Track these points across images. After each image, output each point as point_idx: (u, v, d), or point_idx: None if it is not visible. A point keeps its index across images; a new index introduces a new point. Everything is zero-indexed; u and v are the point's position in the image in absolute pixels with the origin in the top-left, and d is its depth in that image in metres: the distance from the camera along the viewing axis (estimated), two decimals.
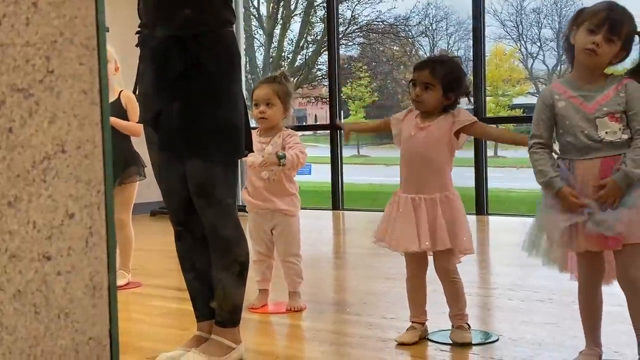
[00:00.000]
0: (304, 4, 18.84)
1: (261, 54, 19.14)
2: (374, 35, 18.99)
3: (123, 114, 4.07)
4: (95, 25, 1.28)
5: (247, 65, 17.38)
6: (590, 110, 2.36)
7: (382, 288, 3.96)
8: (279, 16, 18.98)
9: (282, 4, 18.88)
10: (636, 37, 2.40)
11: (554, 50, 18.65)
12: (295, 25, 18.88)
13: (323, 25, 17.45)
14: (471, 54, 7.54)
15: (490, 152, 9.56)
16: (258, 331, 3.22)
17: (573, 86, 2.41)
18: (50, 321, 1.23)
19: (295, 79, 17.29)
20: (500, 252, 5.12)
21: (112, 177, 1.34)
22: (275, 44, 18.83)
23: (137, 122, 3.70)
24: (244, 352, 2.71)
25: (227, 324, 2.65)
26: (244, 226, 2.70)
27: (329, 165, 8.08)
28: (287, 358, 2.81)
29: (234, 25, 2.64)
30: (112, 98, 4.02)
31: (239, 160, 2.72)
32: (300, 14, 19.08)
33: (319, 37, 18.40)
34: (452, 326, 2.90)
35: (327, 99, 8.38)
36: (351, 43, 18.81)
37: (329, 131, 8.22)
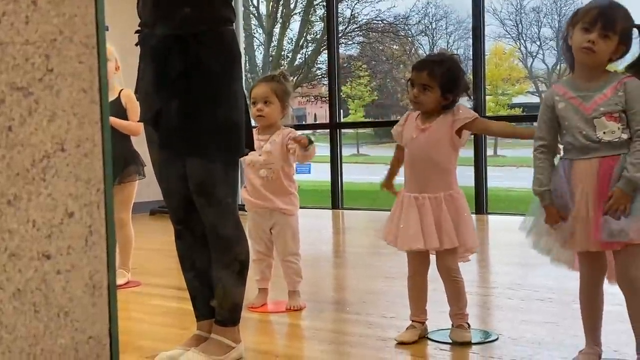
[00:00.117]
0: (303, 2, 18.84)
1: (261, 53, 19.14)
2: (374, 34, 18.99)
3: (123, 113, 4.07)
4: (94, 24, 1.28)
5: (247, 64, 17.38)
6: (588, 110, 2.35)
7: (382, 287, 3.96)
8: (279, 15, 18.97)
9: (281, 2, 18.88)
10: (635, 30, 2.38)
11: (554, 49, 18.65)
12: (295, 24, 18.88)
13: (323, 24, 17.45)
14: (471, 52, 7.54)
15: (490, 151, 9.57)
16: (257, 330, 3.22)
17: (573, 87, 2.41)
18: (50, 320, 1.23)
19: (295, 77, 17.29)
20: (500, 251, 5.12)
21: (112, 176, 1.34)
22: (274, 43, 18.83)
23: (138, 121, 3.70)
24: (244, 351, 2.71)
25: (227, 323, 2.65)
26: (243, 225, 2.70)
27: (329, 164, 8.08)
28: (287, 357, 2.81)
29: (234, 24, 2.63)
30: (112, 97, 4.02)
31: (240, 159, 2.72)
32: (299, 12, 19.08)
33: (318, 36, 18.41)
34: (452, 325, 2.90)
35: (327, 98, 8.39)
36: (351, 42, 18.81)
37: (328, 130, 8.22)
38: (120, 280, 3.99)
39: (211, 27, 2.52)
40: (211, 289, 2.67)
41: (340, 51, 10.49)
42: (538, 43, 19.07)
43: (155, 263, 4.88)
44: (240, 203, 3.65)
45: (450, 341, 2.85)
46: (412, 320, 2.94)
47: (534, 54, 19.35)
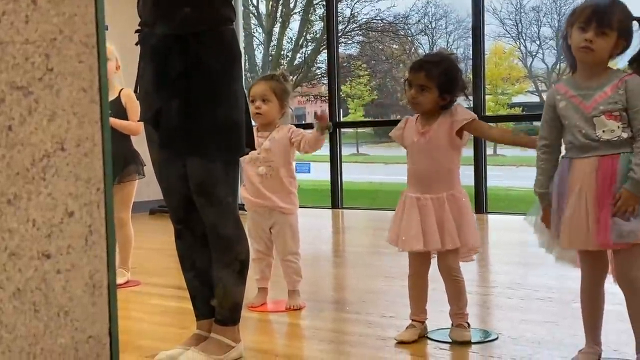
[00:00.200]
0: (303, 2, 18.84)
1: (260, 52, 19.15)
2: (373, 33, 19.00)
3: (123, 113, 4.07)
4: (94, 23, 1.28)
5: (246, 64, 17.38)
6: (588, 109, 2.35)
7: (382, 286, 3.96)
8: (278, 14, 18.97)
9: (281, 2, 18.88)
10: (635, 23, 2.37)
11: (553, 49, 18.66)
12: (295, 24, 18.88)
13: (322, 23, 17.45)
14: (470, 52, 7.54)
15: (489, 151, 9.57)
16: (257, 330, 3.22)
17: (574, 85, 2.41)
18: (49, 319, 1.23)
19: (295, 77, 17.29)
20: (500, 250, 5.12)
21: (112, 175, 1.34)
22: (274, 42, 18.83)
23: (138, 121, 3.70)
24: (243, 350, 2.71)
25: (227, 322, 2.65)
26: (243, 224, 2.70)
27: (328, 163, 8.08)
28: (286, 356, 2.81)
29: (234, 23, 2.63)
30: (112, 96, 4.02)
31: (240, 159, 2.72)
32: (299, 12, 19.08)
33: (318, 36, 18.41)
34: (452, 324, 2.90)
35: (327, 98, 8.39)
36: (350, 41, 18.82)
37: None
38: (120, 280, 3.98)
39: (211, 26, 2.52)
40: (211, 288, 2.67)
41: (340, 50, 10.49)
42: (538, 42, 19.08)
43: (154, 262, 4.88)
44: (240, 202, 3.65)
45: (450, 340, 2.85)
46: (412, 320, 2.94)
47: (534, 54, 19.37)
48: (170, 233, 2.76)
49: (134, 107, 3.95)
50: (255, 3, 18.58)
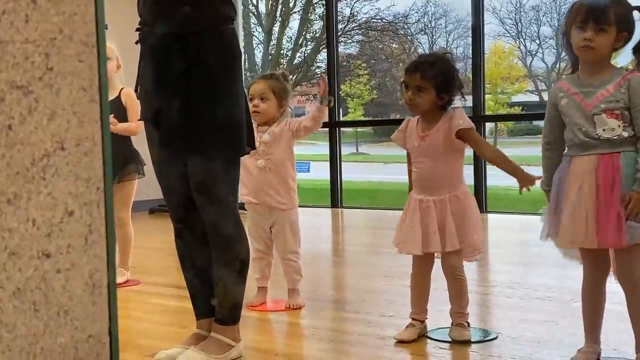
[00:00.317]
0: (302, 1, 18.84)
1: (260, 52, 19.16)
2: (373, 32, 19.01)
3: (123, 112, 4.07)
4: (94, 22, 1.28)
5: (246, 63, 17.39)
6: (589, 107, 2.34)
7: (381, 286, 3.96)
8: (278, 14, 18.98)
9: (281, 1, 18.88)
10: (636, 12, 2.35)
11: (553, 48, 18.67)
12: (294, 23, 18.89)
13: (322, 22, 17.45)
14: (470, 51, 7.54)
15: None
16: (257, 329, 3.22)
17: (577, 83, 2.40)
18: (49, 319, 1.23)
19: (294, 76, 17.29)
20: (500, 250, 5.12)
21: (112, 175, 1.34)
22: (274, 42, 18.83)
23: (138, 120, 3.69)
24: (243, 349, 2.71)
25: (227, 322, 2.65)
26: (243, 223, 2.70)
27: (328, 162, 8.08)
28: (286, 356, 2.81)
29: (234, 22, 2.63)
30: (112, 96, 4.01)
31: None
32: (299, 11, 19.09)
33: (317, 35, 18.41)
34: (452, 323, 2.90)
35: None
36: (350, 41, 18.84)
37: (327, 129, 8.22)
38: (119, 279, 3.98)
39: (211, 25, 2.52)
40: (211, 287, 2.67)
41: (340, 50, 10.49)
42: (537, 42, 19.09)
43: (154, 262, 4.88)
44: (240, 202, 3.65)
45: (450, 340, 2.85)
46: (412, 319, 2.94)
47: (534, 53, 19.38)
48: (170, 232, 2.76)
49: (134, 106, 3.95)
50: (254, 2, 18.59)
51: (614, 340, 2.68)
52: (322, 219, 7.34)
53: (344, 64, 17.75)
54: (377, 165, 17.55)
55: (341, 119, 9.31)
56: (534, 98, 19.65)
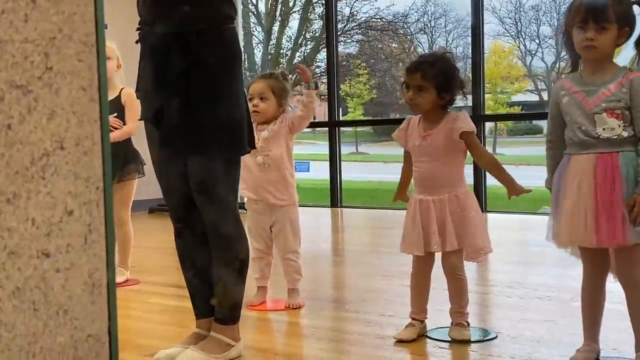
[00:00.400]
0: (302, 0, 18.84)
1: (259, 51, 19.15)
2: (373, 32, 19.01)
3: (123, 112, 4.07)
4: (94, 22, 1.28)
5: (246, 63, 17.38)
6: (590, 105, 2.34)
7: (381, 285, 3.96)
8: (278, 13, 18.97)
9: (280, 0, 18.88)
10: (636, 7, 2.34)
11: (553, 48, 18.67)
12: (294, 22, 18.89)
13: (321, 22, 17.45)
14: (470, 51, 7.55)
15: (489, 150, 9.57)
16: (256, 328, 3.22)
17: (579, 81, 2.39)
18: (49, 318, 1.23)
19: (294, 76, 17.29)
20: (499, 249, 5.09)
21: (111, 174, 1.34)
22: (273, 41, 18.83)
23: (139, 119, 3.69)
24: (243, 349, 2.71)
25: (227, 321, 2.65)
26: (243, 223, 2.70)
27: (328, 162, 8.08)
28: (286, 355, 2.81)
29: (234, 22, 2.63)
30: (112, 95, 4.01)
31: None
32: (298, 11, 19.09)
33: (317, 34, 18.41)
34: (452, 323, 2.90)
35: (326, 96, 8.39)
36: (350, 40, 18.84)
37: (327, 128, 8.22)
38: (119, 279, 3.98)
39: (211, 25, 2.51)
40: (211, 287, 2.67)
41: (339, 49, 10.49)
42: (537, 41, 19.10)
43: (154, 261, 4.88)
44: (240, 201, 3.65)
45: (449, 339, 2.85)
46: (412, 318, 2.94)
47: (533, 52, 19.38)
48: (169, 232, 2.76)
49: (133, 106, 3.94)
50: (254, 2, 18.59)
51: (613, 340, 2.68)
52: (321, 219, 7.34)
53: (344, 63, 17.75)
54: (376, 165, 17.56)
55: (341, 118, 9.31)
56: (534, 97, 19.66)
